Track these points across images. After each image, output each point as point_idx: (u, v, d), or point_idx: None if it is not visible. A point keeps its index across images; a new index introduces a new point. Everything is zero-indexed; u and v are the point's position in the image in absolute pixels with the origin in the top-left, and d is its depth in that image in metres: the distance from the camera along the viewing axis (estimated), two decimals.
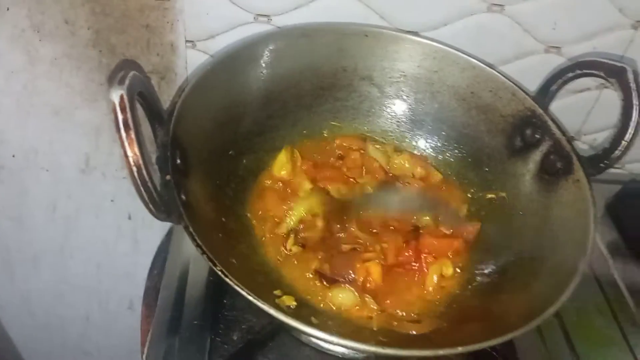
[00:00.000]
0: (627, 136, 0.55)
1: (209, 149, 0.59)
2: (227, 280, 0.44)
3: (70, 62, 0.73)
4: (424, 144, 0.71)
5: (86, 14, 0.68)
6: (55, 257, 0.99)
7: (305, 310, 0.56)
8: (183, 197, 0.49)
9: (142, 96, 0.48)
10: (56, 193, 0.89)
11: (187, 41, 0.71)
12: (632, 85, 0.54)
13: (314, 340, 0.58)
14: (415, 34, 0.69)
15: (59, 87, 0.75)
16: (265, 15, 0.68)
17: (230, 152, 0.63)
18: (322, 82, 0.69)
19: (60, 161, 0.84)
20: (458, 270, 0.60)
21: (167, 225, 0.78)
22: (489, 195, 0.66)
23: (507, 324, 0.48)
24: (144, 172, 0.42)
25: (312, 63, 0.68)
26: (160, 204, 0.45)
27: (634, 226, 0.75)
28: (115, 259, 1.01)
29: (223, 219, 0.58)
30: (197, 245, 0.46)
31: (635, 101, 0.54)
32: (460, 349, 0.44)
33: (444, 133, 0.70)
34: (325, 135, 0.71)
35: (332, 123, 0.71)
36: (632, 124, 0.54)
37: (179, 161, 0.52)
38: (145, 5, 0.67)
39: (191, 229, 0.46)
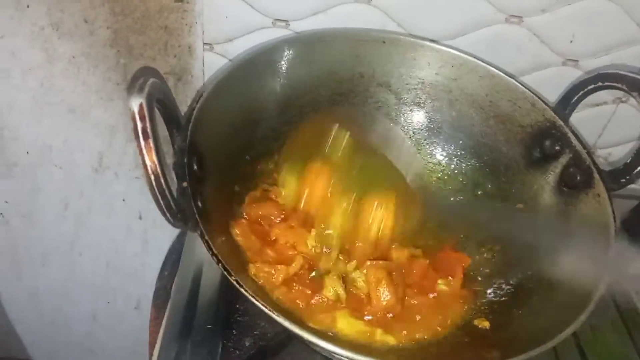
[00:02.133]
0: None
1: (225, 153, 0.59)
2: (242, 290, 0.44)
3: (88, 61, 0.73)
4: (440, 152, 0.71)
5: (106, 13, 0.68)
6: (65, 255, 0.99)
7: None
8: (199, 204, 0.49)
9: (161, 102, 0.48)
10: (68, 191, 0.89)
11: (204, 44, 0.70)
12: None
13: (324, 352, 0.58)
14: (434, 42, 0.69)
15: (75, 85, 0.75)
16: (283, 20, 0.68)
17: (246, 157, 0.62)
18: (339, 88, 0.69)
19: (74, 159, 0.84)
20: None
21: None
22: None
23: (520, 343, 0.47)
24: (162, 180, 0.42)
25: (329, 69, 0.67)
26: (177, 211, 0.45)
27: None
28: (125, 259, 1.01)
29: None
30: (213, 255, 0.45)
31: None
32: None
33: (461, 142, 0.69)
34: None
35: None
36: None
37: (195, 167, 0.51)
38: (164, 6, 0.67)
39: (207, 238, 0.46)
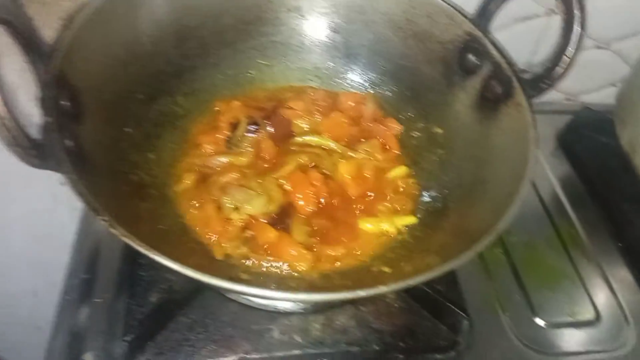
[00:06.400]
0: (569, 51, 0.50)
1: (112, 90, 0.52)
2: (114, 231, 0.39)
3: None
4: (360, 80, 0.66)
5: None
6: None
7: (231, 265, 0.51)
8: (69, 142, 0.43)
9: (9, 24, 0.41)
10: None
11: None
12: None
13: (241, 296, 0.54)
14: None
15: None
16: None
17: (139, 96, 0.56)
18: (245, 16, 0.62)
19: None
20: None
21: None
22: (433, 130, 0.61)
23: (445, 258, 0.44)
24: (3, 109, 0.36)
25: None
26: (31, 147, 0.39)
27: (586, 157, 0.72)
28: (54, 229, 0.95)
29: (130, 170, 0.53)
30: (80, 194, 0.40)
31: (576, 12, 0.49)
32: (383, 289, 0.39)
33: (380, 66, 0.64)
34: (252, 73, 0.65)
35: (260, 62, 0.65)
36: (574, 37, 0.49)
37: (67, 102, 0.45)
38: None
39: (73, 176, 0.40)
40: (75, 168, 0.41)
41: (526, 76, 0.52)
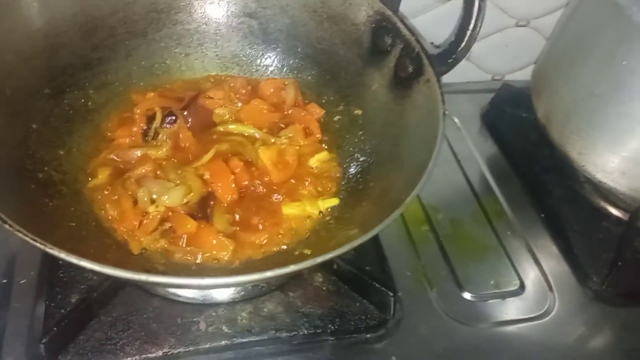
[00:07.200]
0: (471, 25, 0.51)
1: (12, 86, 0.50)
2: (7, 227, 0.37)
3: None
4: (279, 65, 0.65)
5: None
6: None
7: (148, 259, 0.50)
8: None
9: None
10: None
11: None
12: None
13: (166, 290, 0.52)
14: None
15: None
16: None
17: (46, 90, 0.54)
18: (156, 3, 0.61)
19: None
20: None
21: None
22: (353, 112, 0.62)
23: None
24: None
25: None
26: None
27: (507, 132, 0.73)
28: None
29: (38, 168, 0.51)
30: None
31: None
32: (292, 267, 0.39)
33: (299, 50, 0.64)
34: (168, 63, 0.63)
35: (176, 51, 0.64)
36: (475, 11, 0.50)
37: None
38: None
39: None
40: None
41: (434, 52, 0.53)
